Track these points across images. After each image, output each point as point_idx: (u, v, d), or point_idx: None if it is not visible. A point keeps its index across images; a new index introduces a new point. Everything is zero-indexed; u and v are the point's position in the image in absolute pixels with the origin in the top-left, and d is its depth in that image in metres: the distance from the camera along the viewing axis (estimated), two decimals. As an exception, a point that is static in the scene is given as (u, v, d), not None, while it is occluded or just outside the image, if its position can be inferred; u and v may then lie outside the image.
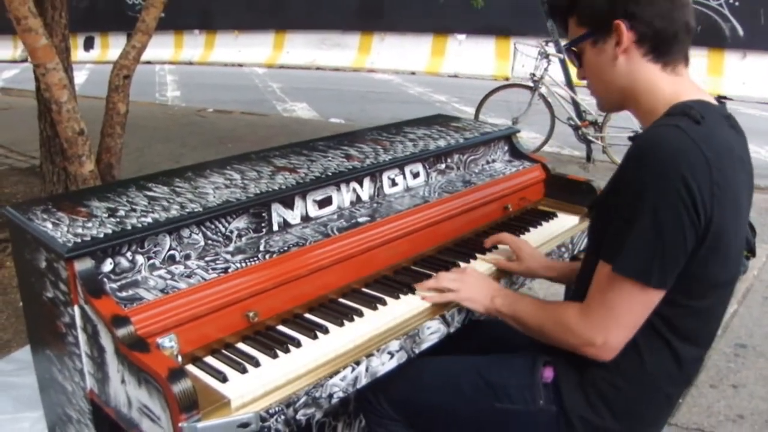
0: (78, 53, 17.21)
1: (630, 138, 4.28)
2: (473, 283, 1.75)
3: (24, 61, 15.91)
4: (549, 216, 2.37)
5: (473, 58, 13.63)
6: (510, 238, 2.02)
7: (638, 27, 1.44)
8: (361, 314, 1.68)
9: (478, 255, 2.01)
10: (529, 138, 7.07)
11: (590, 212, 1.72)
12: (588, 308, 1.45)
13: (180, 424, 1.22)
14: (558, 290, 3.25)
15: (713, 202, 1.32)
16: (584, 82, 1.63)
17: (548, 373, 1.57)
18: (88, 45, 18.33)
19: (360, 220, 1.94)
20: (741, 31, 11.37)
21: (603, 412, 1.51)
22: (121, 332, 1.34)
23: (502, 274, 1.97)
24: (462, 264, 1.95)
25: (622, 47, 1.46)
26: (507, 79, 10.00)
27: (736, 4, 11.34)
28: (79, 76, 13.45)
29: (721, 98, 10.71)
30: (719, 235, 1.36)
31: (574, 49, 1.57)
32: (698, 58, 11.55)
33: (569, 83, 6.87)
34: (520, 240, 2.03)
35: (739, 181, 1.40)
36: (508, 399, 1.59)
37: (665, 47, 1.45)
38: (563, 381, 1.55)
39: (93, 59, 17.43)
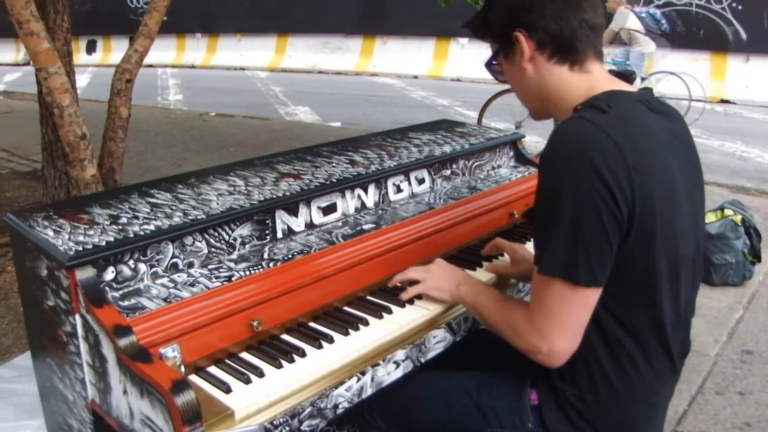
0: (80, 56, 17.25)
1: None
2: (439, 273, 1.75)
3: (26, 64, 15.97)
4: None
5: (476, 61, 13.54)
6: (503, 242, 2.00)
7: (535, 34, 1.46)
8: (366, 323, 1.66)
9: (484, 262, 1.99)
10: (532, 142, 7.04)
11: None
12: (531, 313, 1.43)
13: (183, 437, 1.20)
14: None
15: (633, 187, 1.29)
16: None
17: (534, 396, 1.55)
18: (91, 48, 18.36)
19: (365, 227, 1.92)
20: (744, 35, 11.36)
21: (585, 428, 1.49)
22: (123, 342, 1.32)
23: (504, 284, 1.95)
24: (468, 271, 1.92)
25: (527, 56, 1.48)
26: (509, 82, 9.97)
27: (740, 7, 11.34)
28: (81, 80, 13.49)
29: (724, 101, 10.72)
30: (651, 219, 1.32)
31: (494, 63, 1.61)
32: (701, 61, 11.58)
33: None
34: (514, 244, 2.01)
35: (668, 162, 1.38)
36: (498, 423, 1.57)
37: (567, 47, 1.46)
38: (544, 402, 1.53)
39: (95, 63, 17.47)
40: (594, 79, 1.48)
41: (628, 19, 8.98)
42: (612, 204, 1.28)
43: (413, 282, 1.76)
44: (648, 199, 1.31)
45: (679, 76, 8.75)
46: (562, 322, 1.37)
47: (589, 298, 1.36)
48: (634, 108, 1.41)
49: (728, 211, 4.10)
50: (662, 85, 8.84)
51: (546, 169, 1.37)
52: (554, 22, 1.44)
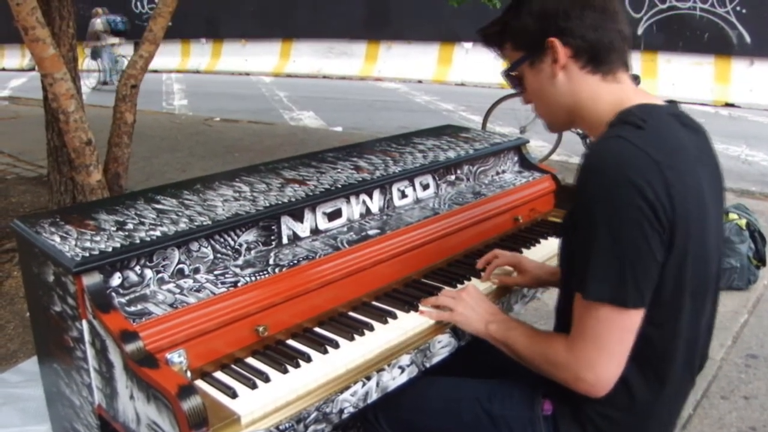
0: (85, 62, 17.29)
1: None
2: (470, 305, 1.70)
3: (32, 69, 16.00)
4: (559, 228, 2.35)
5: (480, 66, 13.60)
6: (505, 255, 1.98)
7: (572, 41, 1.43)
8: (371, 328, 1.66)
9: (482, 274, 1.97)
10: (536, 147, 7.05)
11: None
12: (573, 342, 1.39)
13: (189, 442, 1.21)
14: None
15: (673, 204, 1.28)
16: None
17: (548, 406, 1.53)
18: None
19: (370, 232, 1.92)
20: (748, 39, 11.35)
21: None
22: (130, 348, 1.33)
23: (506, 292, 1.94)
24: (473, 279, 1.93)
25: (560, 64, 1.45)
26: (514, 87, 9.97)
27: (744, 11, 11.33)
28: (88, 85, 13.51)
29: (729, 104, 10.71)
30: (686, 236, 1.31)
31: (513, 74, 1.57)
32: (705, 65, 11.57)
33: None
34: (517, 255, 2.00)
35: (699, 179, 1.36)
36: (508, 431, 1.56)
37: (602, 57, 1.44)
38: (560, 414, 1.51)
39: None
40: (624, 89, 1.46)
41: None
42: (656, 222, 1.27)
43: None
44: (685, 217, 1.30)
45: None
46: (608, 349, 1.34)
47: (635, 320, 1.33)
48: (667, 123, 1.40)
49: (733, 215, 4.09)
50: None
51: (585, 191, 1.34)
52: (593, 32, 1.42)
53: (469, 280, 1.93)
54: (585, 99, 1.47)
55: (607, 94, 1.45)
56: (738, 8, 11.37)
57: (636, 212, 1.26)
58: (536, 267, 1.94)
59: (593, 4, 1.42)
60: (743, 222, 4.03)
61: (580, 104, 1.48)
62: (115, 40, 13.87)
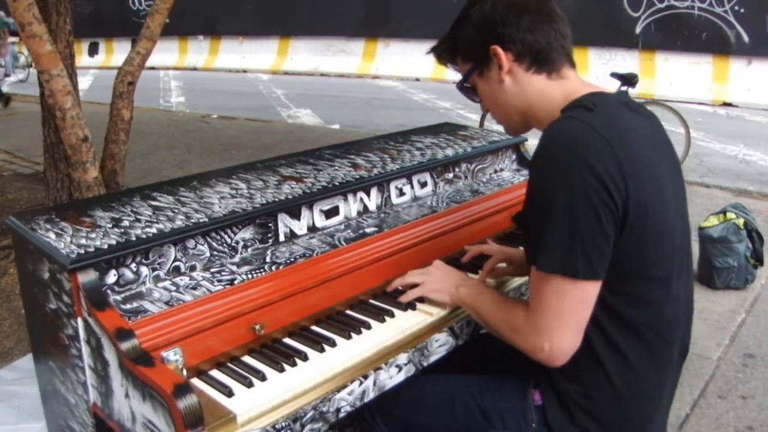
0: (82, 59, 17.27)
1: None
2: (438, 275, 1.76)
3: (28, 66, 15.97)
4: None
5: (477, 64, 13.59)
6: (489, 247, 2.00)
7: (512, 47, 1.50)
8: (368, 326, 1.65)
9: (480, 273, 1.97)
10: (533, 145, 7.04)
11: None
12: (531, 312, 1.43)
13: (185, 441, 1.20)
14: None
15: (626, 180, 1.32)
16: None
17: (538, 396, 1.56)
18: (93, 50, 18.39)
19: (367, 230, 1.92)
20: (746, 38, 11.34)
21: (590, 426, 1.49)
22: (126, 346, 1.32)
23: (506, 287, 1.94)
24: (470, 275, 1.92)
25: (505, 69, 1.52)
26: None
27: (742, 11, 11.32)
28: (84, 82, 13.52)
29: (726, 104, 10.72)
30: (644, 211, 1.35)
31: (467, 85, 1.64)
32: (703, 65, 11.56)
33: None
34: (501, 246, 2.01)
35: (654, 160, 1.41)
36: (502, 424, 1.57)
37: (544, 57, 1.50)
38: (547, 402, 1.54)
39: (98, 65, 17.49)
40: (571, 83, 1.53)
41: None
42: (606, 197, 1.31)
43: (414, 285, 1.77)
44: (639, 192, 1.34)
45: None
46: (562, 319, 1.38)
47: (589, 292, 1.37)
48: (617, 108, 1.46)
49: (730, 215, 4.09)
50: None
51: (538, 169, 1.39)
52: (531, 34, 1.49)
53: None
54: (535, 99, 1.54)
55: (555, 91, 1.52)
56: (736, 8, 11.36)
57: (588, 188, 1.30)
58: (520, 256, 1.94)
59: (528, 8, 1.50)
60: (741, 221, 4.03)
61: (531, 104, 1.55)
62: (15, 39, 14.26)
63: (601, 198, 1.30)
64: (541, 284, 1.39)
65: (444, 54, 1.66)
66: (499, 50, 1.50)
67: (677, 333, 1.51)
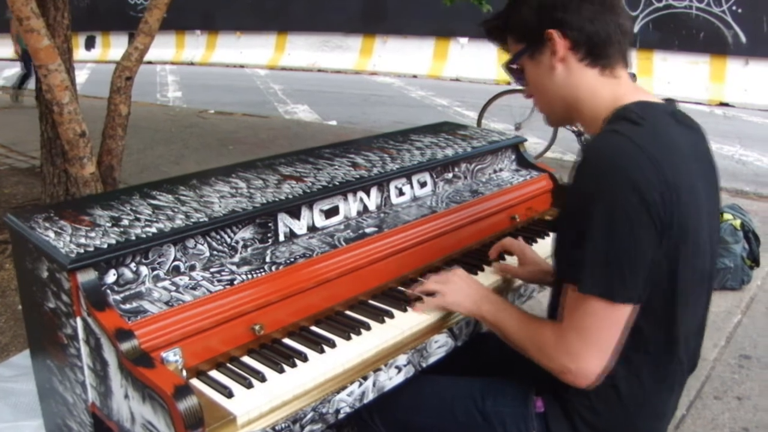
0: (79, 52, 17.21)
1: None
2: (460, 287, 1.70)
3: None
4: (556, 221, 2.34)
5: (475, 62, 13.61)
6: (512, 242, 1.99)
7: (570, 34, 1.44)
8: (368, 327, 1.65)
9: (485, 266, 1.98)
10: (531, 143, 7.04)
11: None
12: (562, 332, 1.40)
13: (185, 443, 1.20)
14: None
15: (668, 202, 1.29)
16: None
17: (540, 404, 1.54)
18: (90, 44, 18.33)
19: (367, 230, 1.91)
20: (744, 38, 11.36)
21: None
22: (125, 346, 1.31)
23: (507, 287, 1.95)
24: (477, 278, 1.92)
25: (558, 56, 1.46)
26: (509, 83, 9.98)
27: (739, 11, 11.34)
28: (80, 76, 13.45)
29: (723, 104, 10.72)
30: (683, 233, 1.32)
31: (515, 66, 1.57)
32: (701, 64, 11.58)
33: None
34: (524, 244, 2.00)
35: (694, 177, 1.37)
36: (502, 429, 1.56)
37: (600, 50, 1.45)
38: (550, 411, 1.52)
39: (94, 59, 17.43)
40: (621, 85, 1.47)
41: None
42: (648, 218, 1.28)
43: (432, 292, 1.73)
44: (679, 215, 1.31)
45: None
46: (594, 341, 1.35)
47: (624, 315, 1.34)
48: (664, 121, 1.41)
49: (727, 215, 4.09)
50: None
51: (581, 185, 1.35)
52: (591, 24, 1.42)
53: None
54: (583, 93, 1.48)
55: (604, 89, 1.47)
56: (734, 8, 11.38)
57: (629, 208, 1.27)
58: (537, 261, 1.94)
59: None
60: (737, 222, 4.03)
61: (578, 98, 1.49)
62: None
63: (643, 218, 1.27)
64: (576, 305, 1.36)
65: (494, 30, 1.60)
66: (556, 35, 1.44)
67: (689, 351, 1.50)
